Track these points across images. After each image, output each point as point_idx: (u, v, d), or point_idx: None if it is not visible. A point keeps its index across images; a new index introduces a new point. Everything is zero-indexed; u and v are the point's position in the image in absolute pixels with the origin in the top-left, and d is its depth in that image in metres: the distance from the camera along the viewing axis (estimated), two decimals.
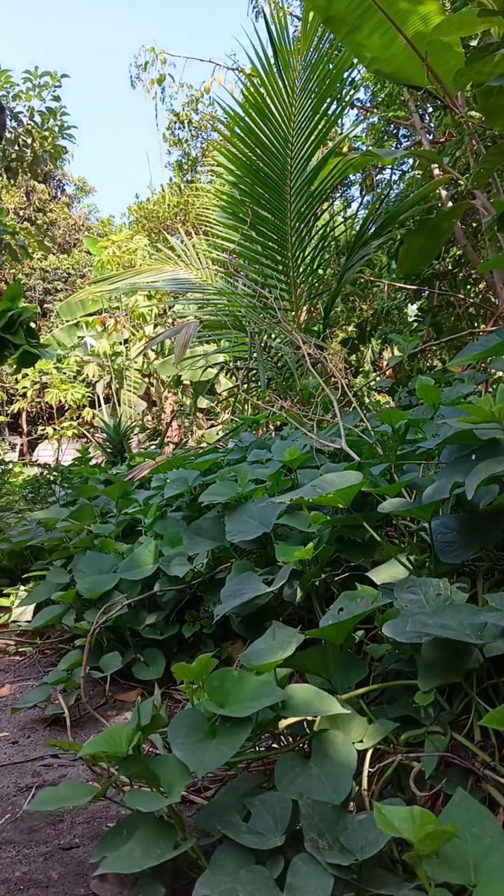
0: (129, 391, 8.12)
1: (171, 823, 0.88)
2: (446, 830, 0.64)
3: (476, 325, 4.21)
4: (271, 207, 3.95)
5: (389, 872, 0.80)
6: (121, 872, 0.81)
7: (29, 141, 7.08)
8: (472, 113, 3.61)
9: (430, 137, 4.51)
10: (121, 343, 8.22)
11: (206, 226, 4.76)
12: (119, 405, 8.18)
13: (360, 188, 6.17)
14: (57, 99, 7.20)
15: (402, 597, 1.02)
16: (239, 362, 4.11)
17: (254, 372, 3.47)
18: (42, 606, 2.13)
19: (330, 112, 3.82)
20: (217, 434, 5.18)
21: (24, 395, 10.58)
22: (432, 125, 4.92)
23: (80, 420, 9.90)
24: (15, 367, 2.08)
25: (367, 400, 4.44)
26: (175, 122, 13.59)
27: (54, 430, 9.90)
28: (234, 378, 4.98)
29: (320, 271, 4.56)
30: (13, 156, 7.09)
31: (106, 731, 0.92)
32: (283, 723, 1.00)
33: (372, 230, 3.89)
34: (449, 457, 1.25)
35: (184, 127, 13.66)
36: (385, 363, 6.38)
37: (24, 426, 16.67)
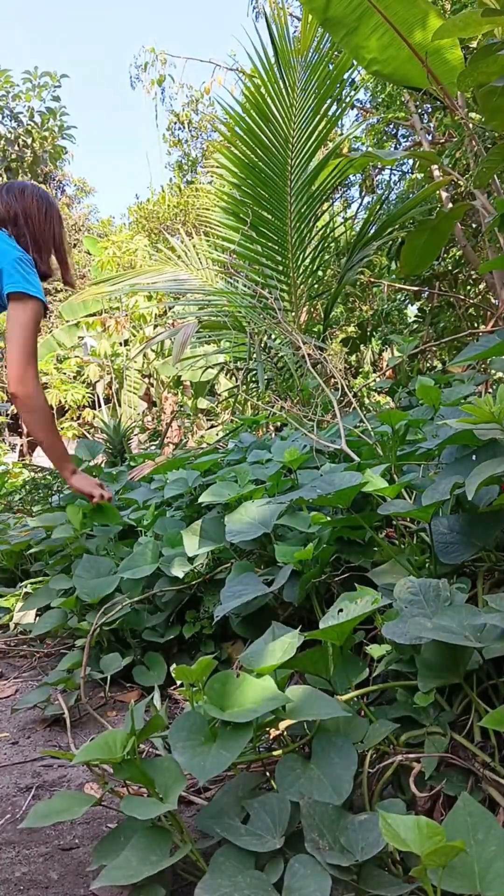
0: (130, 392, 8.12)
1: (169, 828, 0.88)
2: (455, 846, 0.62)
3: (476, 325, 4.21)
4: (272, 208, 3.96)
5: (389, 873, 0.80)
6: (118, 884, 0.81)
7: (29, 141, 7.08)
8: (472, 114, 3.61)
9: (430, 138, 4.52)
10: (121, 343, 8.23)
11: (206, 226, 4.76)
12: (119, 406, 8.18)
13: (360, 189, 6.17)
14: (57, 99, 7.21)
15: (401, 598, 1.02)
16: (239, 363, 4.11)
17: (253, 372, 3.47)
18: (44, 611, 2.12)
19: (330, 113, 3.82)
20: (217, 434, 5.18)
21: None
22: (432, 125, 4.92)
23: (81, 421, 9.89)
24: None
25: (367, 400, 4.44)
26: (175, 123, 13.60)
27: None
28: (234, 378, 4.98)
29: (320, 272, 4.56)
30: (13, 156, 7.10)
31: (100, 736, 0.92)
32: (283, 724, 1.00)
33: (372, 231, 3.89)
34: (449, 457, 1.26)
35: (184, 127, 13.67)
36: (385, 364, 6.38)
37: (25, 427, 16.64)
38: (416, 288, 4.42)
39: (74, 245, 20.99)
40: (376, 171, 5.95)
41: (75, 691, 1.63)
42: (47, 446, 2.02)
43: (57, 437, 2.05)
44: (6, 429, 16.80)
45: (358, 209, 6.42)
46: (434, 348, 4.47)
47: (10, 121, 7.23)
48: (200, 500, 1.67)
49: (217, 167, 4.53)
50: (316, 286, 4.50)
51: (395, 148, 5.81)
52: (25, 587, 2.34)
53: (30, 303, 1.88)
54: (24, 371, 1.88)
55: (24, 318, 1.89)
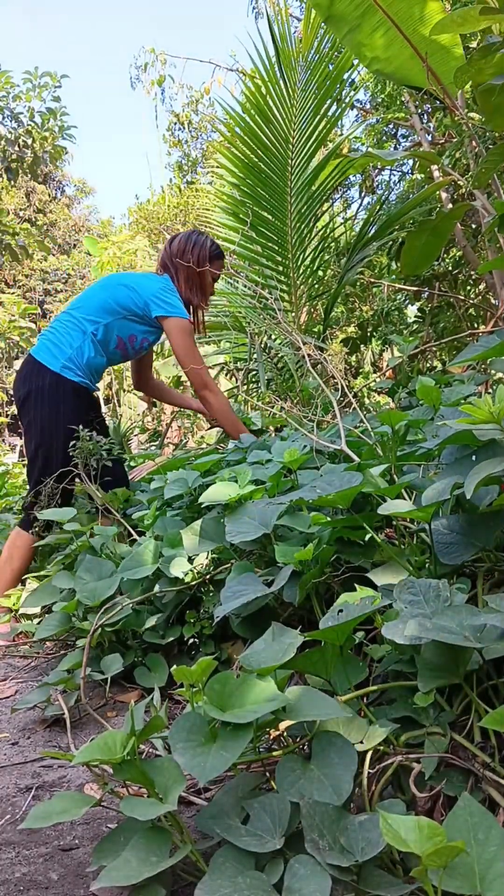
0: (130, 392, 8.12)
1: (169, 829, 0.88)
2: (455, 846, 0.62)
3: (476, 325, 4.22)
4: (272, 208, 3.96)
5: (389, 873, 0.80)
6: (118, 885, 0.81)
7: (29, 142, 7.08)
8: (473, 115, 3.61)
9: (430, 138, 4.52)
10: None
11: (206, 226, 4.76)
12: (119, 406, 8.18)
13: (360, 189, 6.17)
14: (57, 99, 7.21)
15: (401, 598, 1.02)
16: (239, 363, 4.11)
17: (254, 373, 3.47)
18: (46, 613, 2.13)
19: (330, 113, 3.82)
20: (217, 435, 5.18)
21: None
22: (432, 126, 4.92)
23: None
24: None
25: (367, 401, 4.44)
26: (175, 123, 13.60)
27: None
28: (234, 379, 4.98)
29: (320, 272, 4.56)
30: (13, 156, 7.10)
31: (100, 737, 0.91)
32: (283, 724, 1.00)
33: (372, 231, 3.89)
34: (449, 457, 1.26)
35: (184, 128, 13.67)
36: (385, 364, 6.38)
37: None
38: (416, 288, 4.42)
39: (74, 245, 20.98)
40: (376, 171, 5.95)
41: (75, 692, 1.63)
42: (233, 431, 2.57)
43: (237, 422, 2.60)
44: (6, 429, 16.79)
45: (358, 209, 6.42)
46: (434, 348, 4.47)
47: (11, 121, 7.24)
48: (200, 500, 1.67)
49: (217, 167, 4.53)
50: (316, 286, 4.50)
51: (395, 148, 5.82)
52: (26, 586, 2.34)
53: (171, 320, 2.46)
54: (200, 376, 2.48)
55: (173, 335, 2.47)
